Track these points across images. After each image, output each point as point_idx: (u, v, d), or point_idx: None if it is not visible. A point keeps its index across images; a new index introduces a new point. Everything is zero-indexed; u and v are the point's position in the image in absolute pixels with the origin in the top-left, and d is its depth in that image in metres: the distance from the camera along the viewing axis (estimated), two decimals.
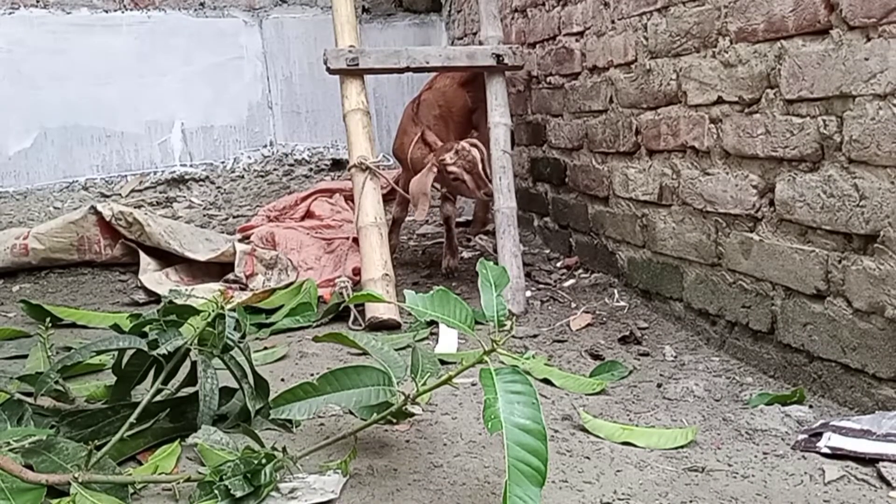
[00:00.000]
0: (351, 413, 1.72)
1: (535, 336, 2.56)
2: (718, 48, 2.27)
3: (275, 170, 5.03)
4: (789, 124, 2.00)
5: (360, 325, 2.65)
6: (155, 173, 4.76)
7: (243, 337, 1.75)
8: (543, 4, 3.55)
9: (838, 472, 1.51)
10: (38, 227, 3.39)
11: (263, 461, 1.37)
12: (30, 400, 1.66)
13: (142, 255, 3.24)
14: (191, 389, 1.70)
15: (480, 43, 3.39)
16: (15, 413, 1.64)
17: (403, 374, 1.59)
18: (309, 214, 4.09)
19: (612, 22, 2.90)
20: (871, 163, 1.76)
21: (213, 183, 4.87)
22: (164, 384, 1.63)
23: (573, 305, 2.89)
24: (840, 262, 1.88)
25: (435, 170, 3.03)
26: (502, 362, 1.77)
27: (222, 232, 3.96)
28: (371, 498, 1.40)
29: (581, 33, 3.18)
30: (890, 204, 1.72)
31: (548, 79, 3.55)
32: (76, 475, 1.34)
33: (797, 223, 2.01)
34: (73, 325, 2.63)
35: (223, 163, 4.92)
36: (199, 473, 1.42)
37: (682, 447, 1.66)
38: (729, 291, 2.31)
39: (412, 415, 1.57)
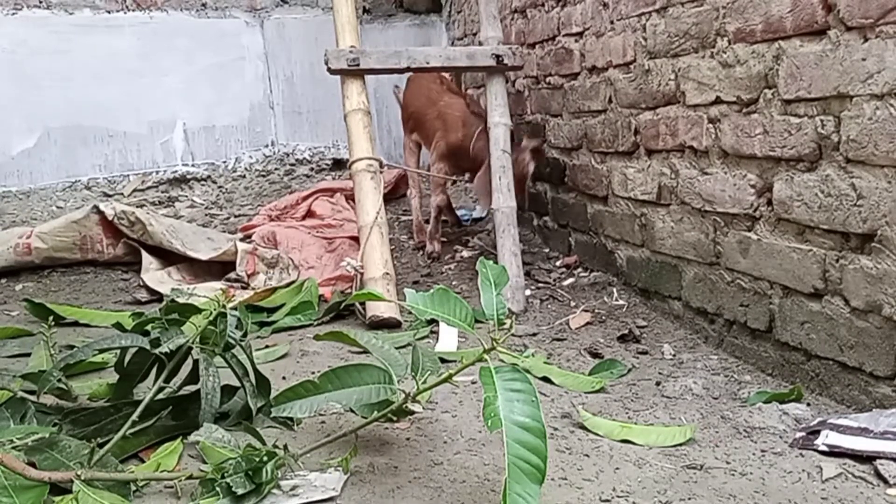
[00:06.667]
0: (352, 411, 1.72)
1: (534, 334, 2.57)
2: (717, 48, 2.28)
3: (276, 169, 5.03)
4: (787, 124, 2.01)
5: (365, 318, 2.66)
6: (157, 173, 4.77)
7: (245, 335, 1.76)
8: (543, 5, 3.56)
9: (836, 470, 1.52)
10: (41, 226, 3.40)
11: (265, 459, 1.38)
12: (33, 398, 1.67)
13: (144, 254, 3.25)
14: (193, 388, 1.70)
15: (480, 43, 3.40)
16: (18, 411, 1.65)
17: (404, 373, 1.59)
18: (310, 214, 4.10)
19: (611, 22, 2.91)
20: (868, 162, 1.77)
21: (214, 182, 4.88)
22: (166, 382, 1.64)
23: (572, 304, 2.90)
24: (837, 261, 1.89)
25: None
26: (502, 360, 1.79)
27: (224, 231, 3.97)
28: (372, 495, 1.41)
29: (580, 34, 3.19)
30: (887, 203, 1.73)
31: (547, 79, 3.56)
32: (79, 472, 1.34)
33: (795, 222, 2.02)
34: (76, 324, 2.64)
35: (225, 162, 4.93)
36: (201, 471, 1.42)
37: (680, 445, 1.67)
38: (727, 290, 2.32)
39: (412, 413, 1.58)
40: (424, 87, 3.73)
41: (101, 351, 1.82)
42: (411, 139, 3.90)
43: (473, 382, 1.95)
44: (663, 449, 1.66)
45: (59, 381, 1.66)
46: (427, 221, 3.70)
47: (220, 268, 3.23)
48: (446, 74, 3.82)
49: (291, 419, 1.69)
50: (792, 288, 2.05)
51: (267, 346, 2.38)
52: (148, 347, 1.65)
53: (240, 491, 1.34)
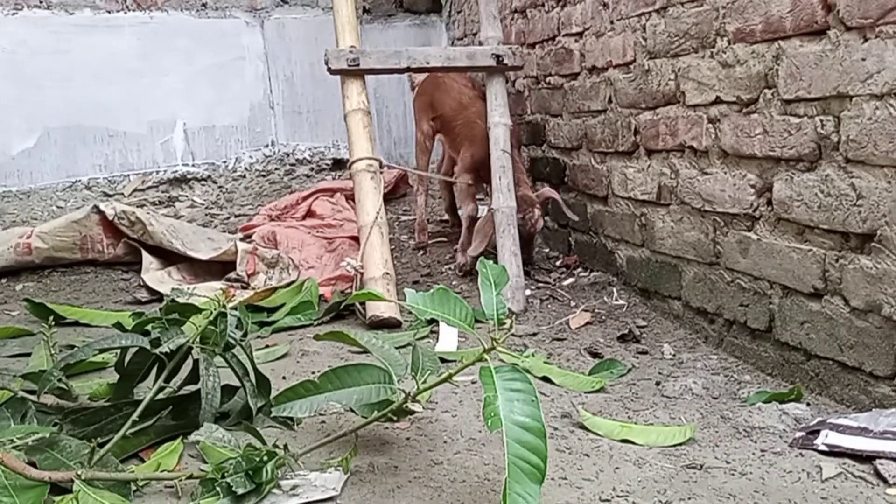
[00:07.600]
0: (352, 411, 1.72)
1: (534, 334, 2.57)
2: (717, 48, 2.28)
3: (276, 169, 5.04)
4: (787, 124, 2.01)
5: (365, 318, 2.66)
6: (157, 173, 4.77)
7: (245, 335, 1.76)
8: (543, 5, 3.56)
9: (835, 470, 1.52)
10: (42, 226, 3.41)
11: (265, 458, 1.38)
12: (33, 398, 1.67)
13: (144, 254, 3.25)
14: (193, 387, 1.71)
15: (480, 43, 3.40)
16: (18, 411, 1.65)
17: (404, 373, 1.60)
18: (310, 214, 4.11)
19: (611, 22, 2.91)
20: (868, 162, 1.77)
21: (214, 182, 4.88)
22: (167, 382, 1.65)
23: (572, 304, 2.90)
24: (837, 260, 1.89)
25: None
26: (502, 360, 1.79)
27: (224, 231, 3.97)
28: (372, 495, 1.41)
29: (580, 34, 3.19)
30: (887, 203, 1.73)
31: (547, 79, 3.56)
32: (79, 472, 1.34)
33: (795, 222, 2.02)
34: (76, 324, 2.65)
35: (225, 162, 4.93)
36: (201, 471, 1.43)
37: (680, 445, 1.67)
38: (727, 290, 2.32)
39: (412, 412, 1.58)
40: (455, 89, 3.58)
41: (102, 351, 1.82)
42: (430, 138, 3.74)
43: (473, 382, 1.96)
44: (663, 449, 1.66)
45: (60, 380, 1.67)
46: (430, 221, 3.67)
47: (220, 268, 3.24)
48: (475, 75, 3.75)
49: (291, 419, 1.69)
50: (792, 288, 2.05)
51: (267, 346, 2.38)
52: (148, 347, 1.65)
53: (240, 491, 1.34)
